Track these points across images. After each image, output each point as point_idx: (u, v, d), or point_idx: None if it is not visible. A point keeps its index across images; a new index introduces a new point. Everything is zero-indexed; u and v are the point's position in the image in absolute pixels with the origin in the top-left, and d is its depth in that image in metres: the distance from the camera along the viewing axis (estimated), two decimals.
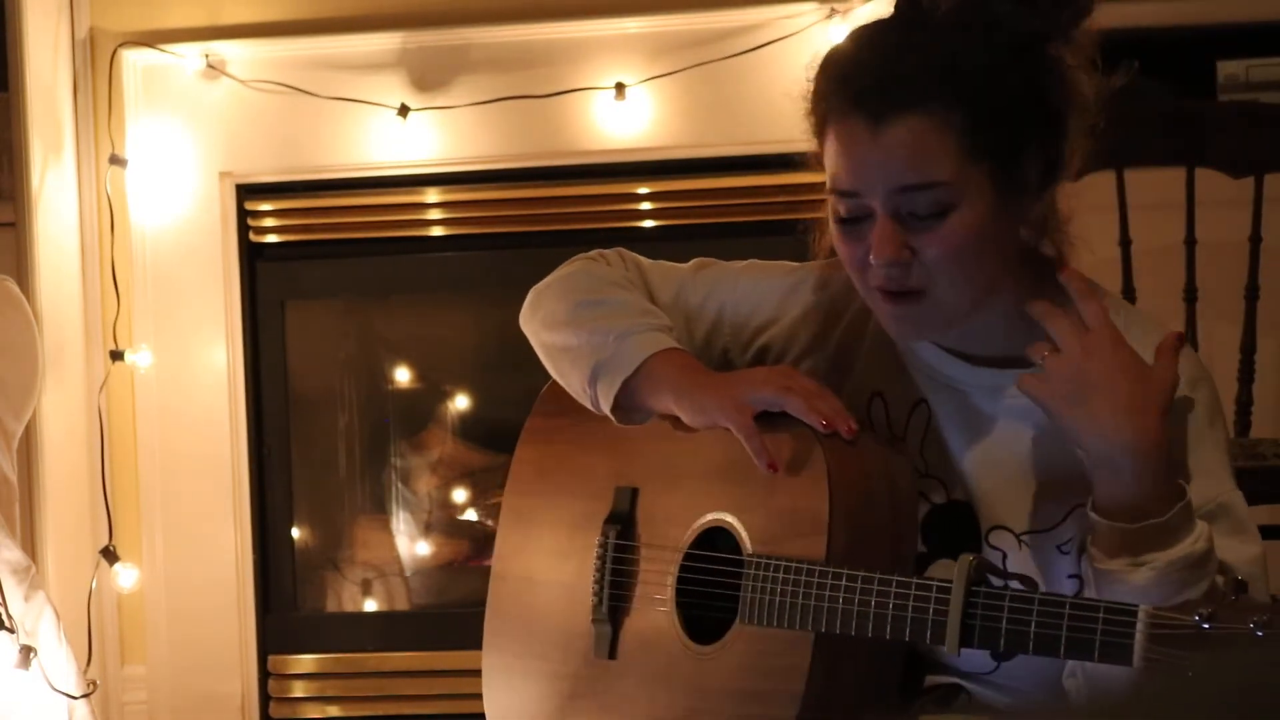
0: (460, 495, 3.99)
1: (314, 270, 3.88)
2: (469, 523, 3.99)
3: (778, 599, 1.97)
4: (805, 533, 1.97)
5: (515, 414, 2.39)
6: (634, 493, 2.17)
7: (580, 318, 2.14)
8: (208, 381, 3.81)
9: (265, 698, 3.86)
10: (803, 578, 1.95)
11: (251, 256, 3.87)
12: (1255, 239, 3.08)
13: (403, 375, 4.01)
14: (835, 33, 3.51)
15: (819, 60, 1.98)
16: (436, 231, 3.83)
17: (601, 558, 2.17)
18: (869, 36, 1.97)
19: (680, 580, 2.10)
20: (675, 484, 2.13)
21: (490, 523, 3.89)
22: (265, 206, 3.85)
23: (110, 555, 3.70)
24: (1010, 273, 1.98)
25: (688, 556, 2.10)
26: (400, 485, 4.01)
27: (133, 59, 3.78)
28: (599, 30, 3.70)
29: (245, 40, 3.77)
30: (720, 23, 3.66)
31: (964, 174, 1.91)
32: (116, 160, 3.77)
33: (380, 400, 4.05)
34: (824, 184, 1.98)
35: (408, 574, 3.99)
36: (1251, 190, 3.07)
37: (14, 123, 3.66)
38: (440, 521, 4.00)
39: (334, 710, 3.88)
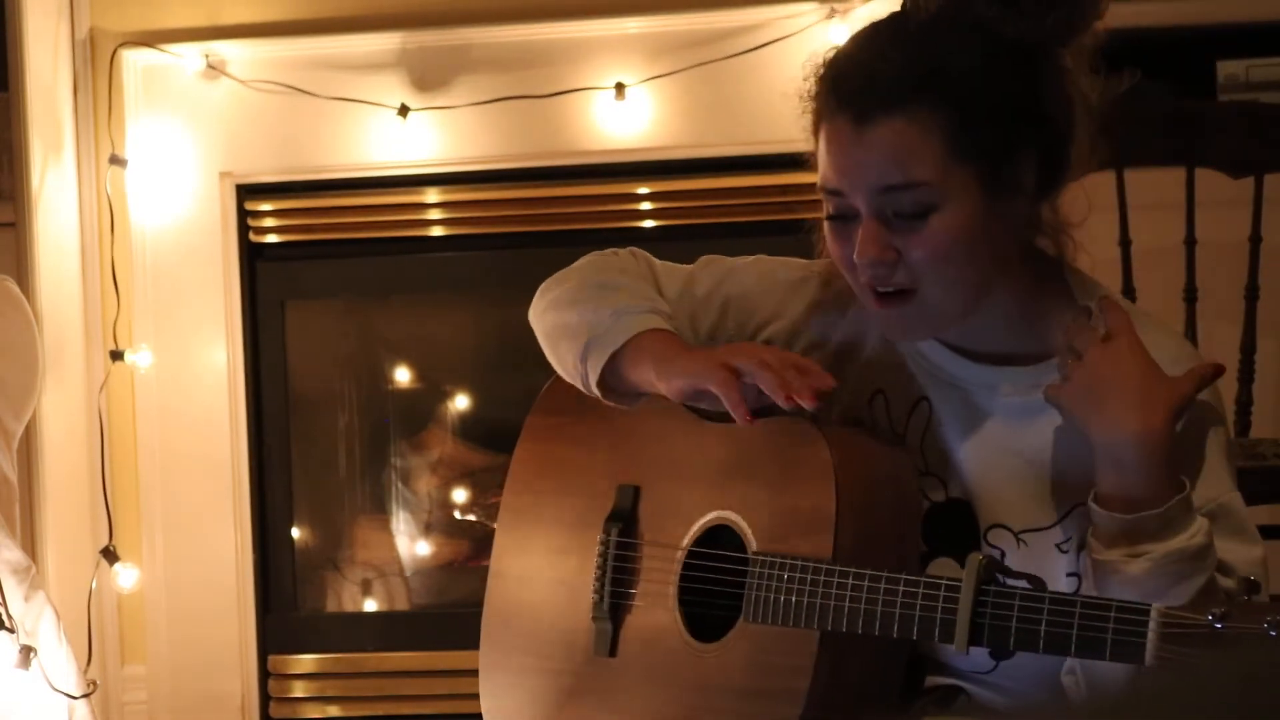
0: (460, 495, 3.99)
1: (314, 270, 3.88)
2: (469, 523, 3.99)
3: (783, 597, 1.97)
4: (811, 531, 1.97)
5: (515, 414, 2.39)
6: (636, 491, 2.17)
7: (584, 298, 2.16)
8: (208, 381, 3.81)
9: (265, 698, 3.86)
10: (809, 576, 1.96)
11: (251, 256, 3.87)
12: (1255, 239, 3.08)
13: (403, 375, 4.01)
14: (835, 33, 3.51)
15: (816, 60, 1.99)
16: (436, 231, 3.83)
17: (603, 555, 2.17)
18: (859, 38, 2.00)
19: (683, 578, 2.10)
20: (678, 482, 2.13)
21: (490, 523, 3.89)
22: (265, 206, 3.85)
23: (110, 555, 3.71)
24: (1007, 274, 1.99)
25: (691, 554, 2.10)
26: (400, 485, 4.01)
27: (133, 59, 3.78)
28: (599, 30, 3.70)
29: (245, 40, 3.77)
30: (720, 23, 3.66)
31: (949, 175, 1.91)
32: (116, 160, 3.78)
33: (380, 400, 4.05)
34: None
35: (408, 574, 3.99)
36: (1251, 190, 3.07)
37: (14, 123, 3.66)
38: (440, 521, 4.00)
39: (334, 710, 3.88)
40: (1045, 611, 1.83)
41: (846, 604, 1.93)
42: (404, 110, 3.72)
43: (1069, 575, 1.95)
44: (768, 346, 2.08)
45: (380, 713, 3.88)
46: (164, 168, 3.79)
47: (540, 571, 2.26)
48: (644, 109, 3.69)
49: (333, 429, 4.04)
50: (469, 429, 4.00)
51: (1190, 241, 3.10)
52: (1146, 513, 1.87)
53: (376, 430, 4.04)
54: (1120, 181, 3.08)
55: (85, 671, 3.15)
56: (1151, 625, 1.76)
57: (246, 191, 3.85)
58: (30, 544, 3.53)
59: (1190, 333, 3.06)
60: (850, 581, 1.93)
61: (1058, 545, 1.97)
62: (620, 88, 3.67)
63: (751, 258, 2.22)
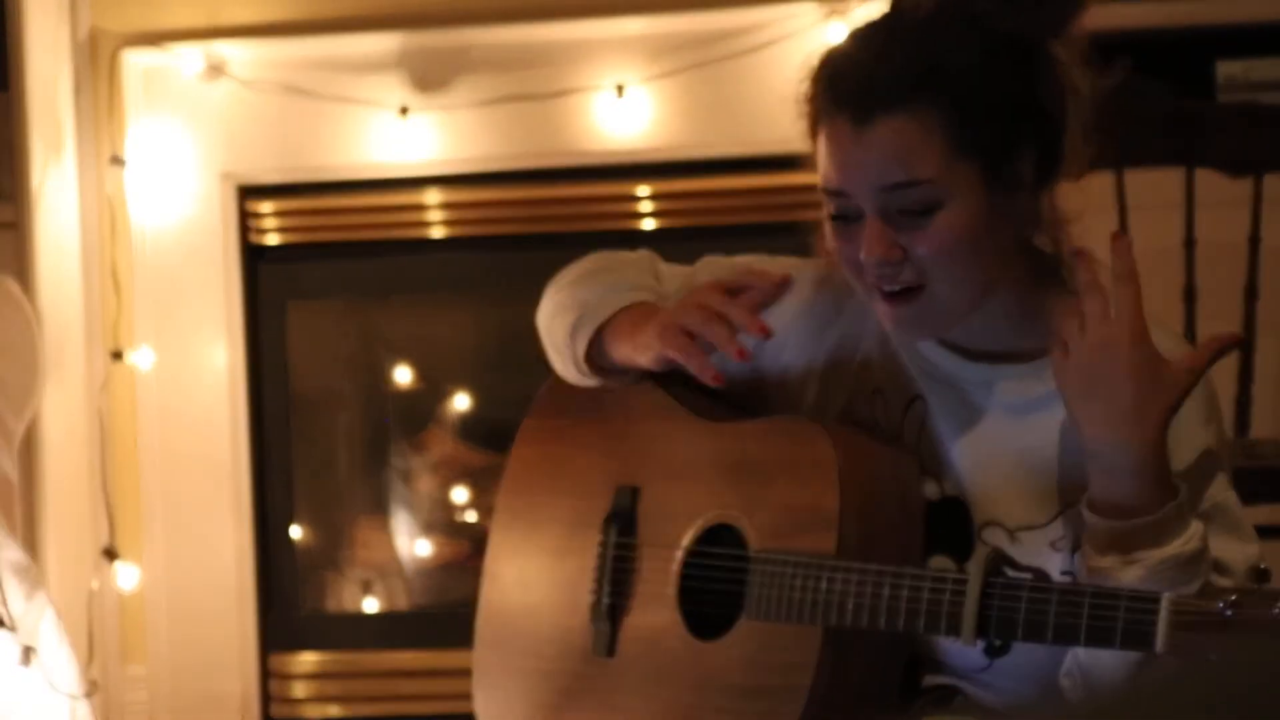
0: (460, 495, 3.99)
1: (315, 271, 3.88)
2: (469, 523, 3.99)
3: (786, 594, 1.97)
4: (814, 528, 1.97)
5: (515, 414, 2.39)
6: (635, 491, 2.17)
7: (579, 282, 2.19)
8: (208, 382, 3.81)
9: (266, 697, 3.87)
10: (812, 572, 1.96)
11: (252, 257, 3.87)
12: (1254, 239, 3.09)
13: (403, 375, 4.01)
14: (835, 33, 3.51)
15: (812, 62, 2.00)
16: (437, 232, 3.83)
17: (602, 556, 2.17)
18: (856, 37, 2.00)
19: (684, 578, 2.10)
20: (677, 482, 2.13)
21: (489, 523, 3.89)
22: (266, 207, 3.85)
23: (111, 555, 3.71)
24: (1009, 269, 1.99)
25: (691, 554, 2.10)
26: (400, 485, 4.02)
27: (133, 59, 3.78)
28: (599, 30, 3.70)
29: (245, 41, 3.77)
30: (720, 23, 3.66)
31: (951, 172, 1.92)
32: (117, 160, 3.78)
33: (381, 400, 4.05)
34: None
35: (408, 574, 3.99)
36: (1251, 190, 3.07)
37: (14, 123, 3.66)
38: (440, 521, 4.00)
39: (334, 710, 3.88)
40: (1054, 602, 1.83)
41: (851, 599, 1.93)
42: (404, 110, 3.72)
43: (1063, 574, 1.95)
44: (709, 288, 2.09)
45: (380, 713, 3.88)
46: (164, 168, 3.80)
47: (538, 573, 2.26)
48: (644, 109, 3.69)
49: (333, 429, 4.04)
50: (469, 429, 4.00)
51: (1189, 242, 3.10)
52: (1140, 520, 1.86)
53: (377, 430, 4.04)
54: (1120, 181, 3.08)
55: (85, 671, 3.15)
56: (1162, 613, 1.76)
57: (247, 192, 3.85)
58: (31, 544, 3.53)
59: (1190, 333, 3.06)
60: (855, 576, 1.94)
61: (1052, 544, 1.97)
62: (620, 88, 3.67)
63: (750, 257, 2.22)
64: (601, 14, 3.70)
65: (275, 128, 3.79)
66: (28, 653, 2.97)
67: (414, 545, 3.99)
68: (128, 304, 3.79)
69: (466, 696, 2.40)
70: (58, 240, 3.73)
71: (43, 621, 3.02)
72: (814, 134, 1.99)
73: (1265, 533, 2.00)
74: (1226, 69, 3.64)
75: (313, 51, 3.77)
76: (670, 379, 2.17)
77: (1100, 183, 2.92)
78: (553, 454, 2.27)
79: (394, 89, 3.74)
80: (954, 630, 1.88)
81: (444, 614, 3.88)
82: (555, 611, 2.21)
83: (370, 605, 3.97)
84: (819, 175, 1.98)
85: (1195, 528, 1.87)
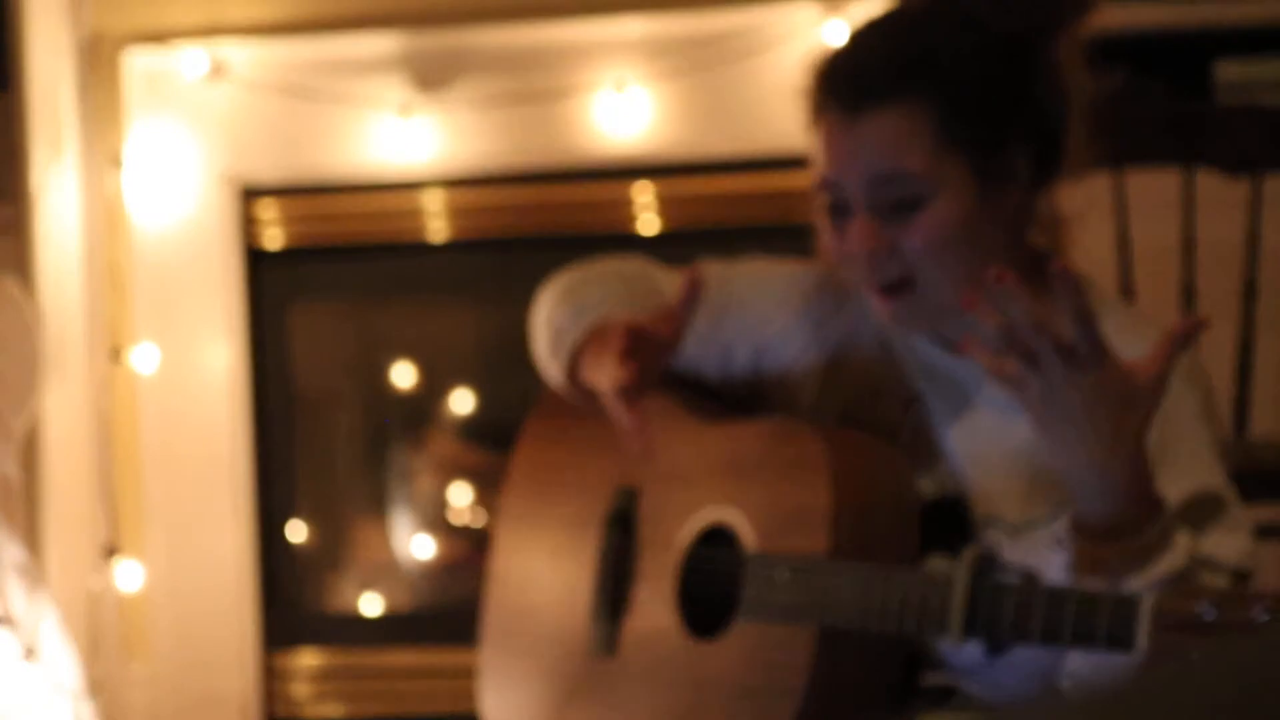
0: (460, 495, 4.00)
1: (316, 272, 3.89)
2: (469, 523, 3.99)
3: (780, 595, 1.98)
4: (808, 529, 1.98)
5: (515, 414, 2.39)
6: (635, 492, 2.18)
7: (556, 300, 2.19)
8: (210, 383, 3.81)
9: (266, 697, 3.87)
10: (806, 573, 1.96)
11: (254, 258, 3.87)
12: (1254, 239, 3.09)
13: (404, 376, 4.02)
14: (835, 32, 3.51)
15: (813, 57, 2.01)
16: (437, 234, 3.83)
17: (602, 556, 2.18)
18: (853, 32, 2.02)
19: (682, 578, 2.11)
20: (676, 483, 2.14)
21: (490, 523, 3.89)
22: (267, 208, 3.86)
23: (112, 554, 3.71)
24: (1002, 264, 1.99)
25: (690, 554, 2.11)
26: (400, 485, 4.02)
27: (135, 60, 3.78)
28: (599, 30, 3.71)
29: (247, 42, 3.78)
30: (720, 23, 3.67)
31: (941, 165, 1.93)
32: (118, 161, 3.78)
33: (381, 401, 4.06)
34: None
35: (408, 574, 4.00)
36: (1250, 190, 3.08)
37: (15, 123, 3.67)
38: (440, 521, 4.01)
39: (335, 710, 3.89)
40: (1040, 603, 1.83)
41: (843, 599, 1.94)
42: (405, 110, 3.72)
43: (1065, 570, 1.95)
44: (612, 351, 2.03)
45: (381, 712, 3.88)
46: (166, 169, 3.80)
47: (540, 573, 2.26)
48: (644, 109, 3.70)
49: (334, 429, 4.04)
50: (469, 429, 4.01)
51: (1189, 242, 3.10)
52: (1124, 544, 1.84)
53: (378, 430, 4.05)
54: (1119, 182, 3.08)
55: (87, 671, 3.16)
56: (1144, 615, 1.76)
57: (249, 193, 3.86)
58: (32, 543, 3.54)
59: None
60: (847, 578, 1.94)
61: (1054, 541, 1.97)
62: (620, 88, 3.68)
63: (748, 260, 2.23)
64: (601, 14, 3.71)
65: (277, 129, 3.79)
66: (29, 652, 2.98)
67: (414, 545, 3.99)
68: (128, 304, 3.79)
69: (467, 696, 2.40)
70: (58, 240, 3.73)
71: (44, 621, 3.03)
72: (812, 128, 2.00)
73: (1265, 533, 2.00)
74: (1226, 69, 3.64)
75: (314, 52, 3.77)
76: (670, 381, 2.18)
77: (1100, 183, 2.93)
78: (555, 454, 2.28)
79: (394, 89, 3.75)
80: (943, 631, 1.88)
81: (444, 614, 3.89)
82: (557, 611, 2.22)
83: (370, 605, 3.98)
84: (814, 169, 2.00)
85: (1181, 543, 1.85)
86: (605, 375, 2.02)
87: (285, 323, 3.91)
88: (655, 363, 2.02)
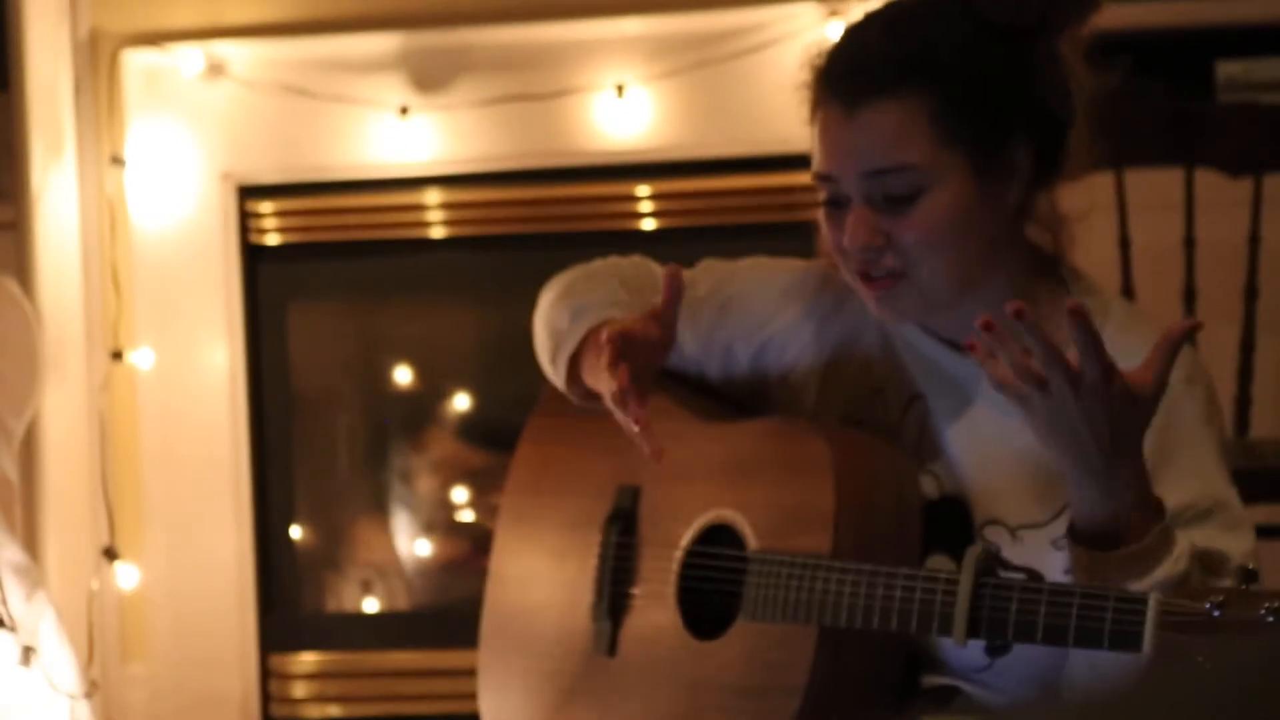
0: (460, 495, 3.99)
1: (315, 271, 3.88)
2: (469, 523, 3.99)
3: (782, 594, 1.98)
4: (810, 529, 1.98)
5: (515, 414, 2.39)
6: (636, 491, 2.17)
7: (557, 304, 2.18)
8: (209, 382, 3.81)
9: (266, 697, 3.87)
10: (808, 572, 1.96)
11: (252, 257, 3.87)
12: (1254, 239, 3.09)
13: (403, 376, 4.02)
14: (834, 33, 3.51)
15: (811, 52, 2.01)
16: (437, 232, 3.83)
17: (603, 556, 2.18)
18: (852, 26, 2.02)
19: (683, 578, 2.11)
20: (678, 482, 2.13)
21: (490, 523, 3.89)
22: (266, 207, 3.85)
23: (111, 555, 3.71)
24: (1000, 261, 1.99)
25: (690, 554, 2.11)
26: (400, 485, 4.02)
27: (134, 59, 3.78)
28: (599, 30, 3.71)
29: (246, 41, 3.77)
30: (720, 23, 3.66)
31: (938, 158, 1.93)
32: (117, 161, 3.78)
33: (381, 400, 4.05)
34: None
35: (408, 574, 4.00)
36: (1250, 190, 3.08)
37: (14, 123, 3.66)
38: (440, 521, 4.00)
39: (334, 710, 3.89)
40: (1043, 602, 1.82)
41: (845, 599, 1.94)
42: (404, 111, 3.72)
43: (1065, 572, 1.95)
44: (607, 365, 2.00)
45: (380, 713, 3.88)
46: (165, 168, 3.80)
47: (540, 572, 2.26)
48: (644, 109, 3.69)
49: (333, 429, 4.04)
50: (469, 429, 4.00)
51: (1189, 241, 3.10)
52: (1125, 550, 1.84)
53: (377, 430, 4.05)
54: (1120, 181, 3.08)
55: (86, 671, 3.15)
56: (1149, 614, 1.76)
57: (247, 192, 3.85)
58: (31, 544, 3.54)
59: (1189, 333, 3.05)
60: (849, 577, 1.94)
61: (1053, 542, 1.97)
62: (620, 88, 3.67)
63: (750, 260, 2.23)
64: (601, 14, 3.71)
65: (275, 128, 3.79)
66: (28, 653, 2.97)
67: (414, 545, 3.99)
68: (128, 304, 3.79)
69: (467, 696, 2.40)
70: (58, 240, 3.73)
71: (43, 621, 3.02)
72: (812, 122, 2.00)
73: (1265, 533, 2.00)
74: (1226, 69, 3.64)
75: (313, 51, 3.77)
76: (671, 381, 2.18)
77: (1100, 183, 2.92)
78: (556, 453, 2.28)
79: (394, 89, 3.74)
80: (946, 630, 1.88)
81: (444, 614, 3.89)
82: (557, 611, 2.22)
83: (370, 605, 3.97)
84: (813, 162, 2.00)
85: (1182, 546, 1.85)
86: (601, 383, 2.02)
87: (284, 322, 3.91)
88: (648, 363, 2.02)
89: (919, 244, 1.94)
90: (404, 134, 3.74)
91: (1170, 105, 3.11)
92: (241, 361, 3.83)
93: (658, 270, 2.25)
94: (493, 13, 3.75)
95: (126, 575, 3.74)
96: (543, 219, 3.79)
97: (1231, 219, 3.11)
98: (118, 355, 3.77)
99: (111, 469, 3.75)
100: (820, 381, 2.12)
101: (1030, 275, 2.02)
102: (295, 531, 3.91)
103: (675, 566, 2.11)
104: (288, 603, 3.90)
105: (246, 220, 3.86)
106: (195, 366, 3.81)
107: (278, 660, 3.87)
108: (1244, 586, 1.74)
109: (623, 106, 3.68)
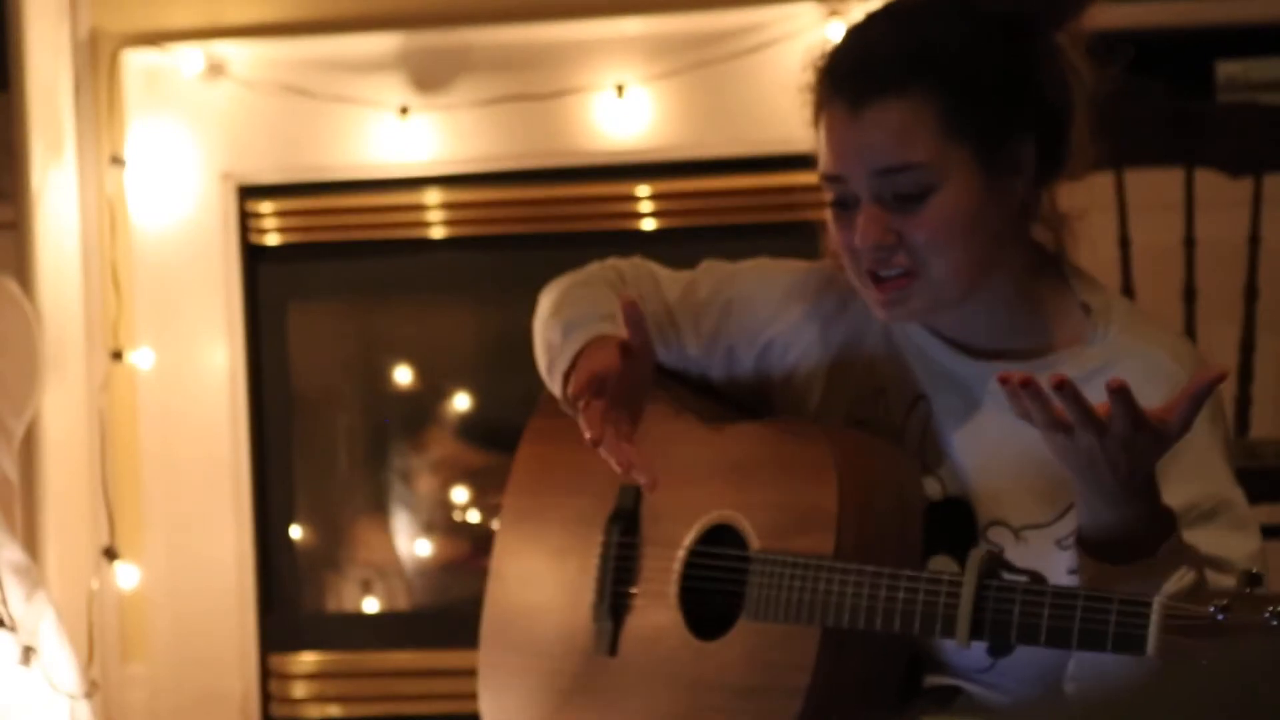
0: (460, 495, 3.99)
1: (315, 271, 3.88)
2: (469, 523, 3.99)
3: (784, 594, 1.98)
4: (813, 529, 1.98)
5: (515, 414, 2.39)
6: (638, 491, 2.17)
7: (555, 314, 2.18)
8: (209, 382, 3.81)
9: (266, 697, 3.87)
10: (810, 573, 1.96)
11: (252, 257, 3.87)
12: (1254, 239, 3.09)
13: (403, 376, 4.02)
14: (835, 33, 3.51)
15: (814, 52, 2.01)
16: (437, 232, 3.83)
17: (604, 555, 2.18)
18: (855, 25, 2.02)
19: (684, 578, 2.11)
20: (680, 482, 2.13)
21: (490, 523, 3.89)
22: (266, 207, 3.85)
23: (111, 555, 3.71)
24: (1005, 260, 1.99)
25: (692, 554, 2.10)
26: (400, 485, 4.02)
27: (134, 59, 3.78)
28: (599, 30, 3.71)
29: (246, 41, 3.77)
30: (720, 23, 3.66)
31: (945, 156, 1.93)
32: (117, 161, 3.78)
33: (381, 400, 4.05)
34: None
35: (408, 574, 4.00)
36: (1251, 190, 3.08)
37: (14, 123, 3.66)
38: (440, 521, 4.00)
39: (334, 710, 3.88)
40: (1047, 605, 1.82)
41: (848, 600, 1.94)
42: (404, 110, 3.72)
43: (1070, 573, 1.95)
44: (584, 407, 2.01)
45: (380, 713, 3.88)
46: (165, 168, 3.80)
47: (541, 572, 2.26)
48: (644, 109, 3.69)
49: (333, 429, 4.04)
50: (469, 429, 4.00)
51: (1189, 241, 3.10)
52: (1135, 564, 1.84)
53: (377, 430, 4.05)
54: (1120, 181, 3.08)
55: (86, 671, 3.15)
56: (1154, 617, 1.76)
57: (247, 192, 3.85)
58: (31, 544, 3.54)
59: (1189, 333, 3.06)
60: (852, 577, 1.94)
61: (1058, 542, 1.97)
62: (620, 88, 3.67)
63: (752, 261, 2.23)
64: (601, 14, 3.71)
65: (275, 128, 3.79)
66: (28, 653, 2.97)
67: (414, 545, 3.99)
68: (128, 304, 3.79)
69: (466, 696, 2.40)
70: (58, 240, 3.73)
71: (43, 621, 3.02)
72: (816, 122, 2.00)
73: (1265, 533, 2.00)
74: (1226, 69, 3.64)
75: (313, 51, 3.77)
76: (673, 382, 2.18)
77: (1100, 182, 2.92)
78: (558, 453, 2.27)
79: (394, 89, 3.74)
80: (949, 632, 1.88)
81: (444, 614, 3.89)
82: (558, 610, 2.22)
83: (370, 605, 3.97)
84: (819, 163, 2.00)
85: (1190, 557, 1.85)
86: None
87: (284, 322, 3.91)
88: (632, 393, 2.02)
89: (929, 243, 1.94)
90: (404, 134, 3.74)
91: (1170, 105, 3.11)
92: (241, 361, 3.83)
93: (658, 271, 2.25)
94: (493, 13, 3.75)
95: (126, 575, 3.74)
96: (543, 219, 3.79)
97: (1231, 219, 3.11)
98: (118, 355, 3.77)
99: (111, 469, 3.75)
100: (824, 382, 2.12)
101: (1033, 274, 2.02)
102: (295, 531, 3.91)
103: (677, 566, 2.11)
104: (288, 603, 3.90)
105: (246, 220, 3.86)
106: (195, 366, 3.81)
107: (278, 660, 3.87)
108: (1248, 590, 1.74)
109: (623, 106, 3.68)
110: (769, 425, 2.09)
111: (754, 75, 3.63)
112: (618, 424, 1.98)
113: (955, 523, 2.02)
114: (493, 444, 3.94)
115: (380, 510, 4.03)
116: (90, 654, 3.56)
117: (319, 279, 3.90)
